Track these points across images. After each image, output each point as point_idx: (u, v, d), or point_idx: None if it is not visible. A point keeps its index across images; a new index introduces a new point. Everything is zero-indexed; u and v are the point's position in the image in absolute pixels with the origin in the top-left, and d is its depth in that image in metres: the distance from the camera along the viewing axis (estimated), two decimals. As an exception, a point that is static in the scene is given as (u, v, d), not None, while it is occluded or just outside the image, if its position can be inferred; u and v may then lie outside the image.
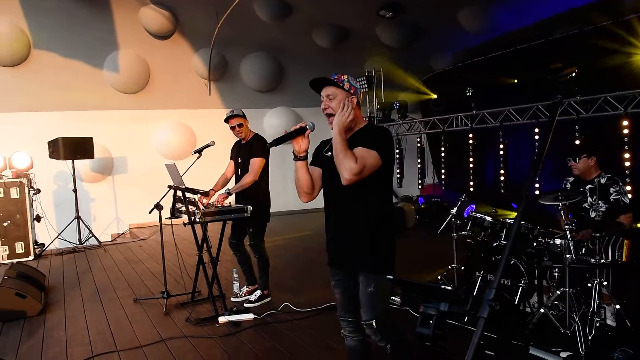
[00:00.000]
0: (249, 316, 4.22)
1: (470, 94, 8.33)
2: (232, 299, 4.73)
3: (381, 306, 2.39)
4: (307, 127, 2.42)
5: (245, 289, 4.83)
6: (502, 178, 8.31)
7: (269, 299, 4.68)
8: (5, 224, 7.19)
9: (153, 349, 3.66)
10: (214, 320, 4.15)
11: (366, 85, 10.66)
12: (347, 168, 2.24)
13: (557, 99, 1.39)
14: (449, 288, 1.08)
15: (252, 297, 4.62)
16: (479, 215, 4.13)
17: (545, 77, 7.81)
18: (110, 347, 3.74)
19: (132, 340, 3.85)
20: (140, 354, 3.59)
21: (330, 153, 2.42)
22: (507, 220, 3.99)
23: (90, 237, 8.28)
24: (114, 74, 9.62)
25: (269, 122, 11.17)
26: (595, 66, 6.86)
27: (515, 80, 8.64)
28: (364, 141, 2.34)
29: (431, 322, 1.16)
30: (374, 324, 2.36)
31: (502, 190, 8.22)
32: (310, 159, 2.56)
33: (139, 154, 10.20)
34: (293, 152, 2.47)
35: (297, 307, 4.44)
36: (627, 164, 6.42)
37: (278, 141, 2.40)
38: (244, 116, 4.57)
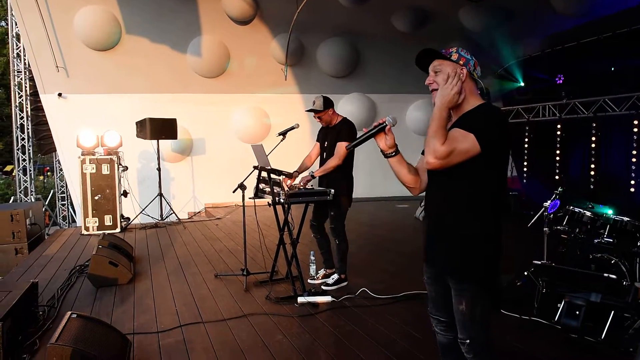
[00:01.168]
0: (327, 298, 4.23)
1: (561, 81, 7.80)
2: (309, 281, 4.77)
3: (477, 324, 2.06)
4: (387, 122, 2.18)
5: (322, 272, 4.85)
6: (592, 173, 7.75)
7: (346, 283, 4.67)
8: (96, 198, 7.70)
9: (236, 323, 3.77)
10: (293, 300, 4.20)
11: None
12: (431, 149, 1.94)
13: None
14: (614, 277, 0.96)
15: (330, 280, 4.63)
16: (577, 209, 3.85)
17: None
18: (196, 318, 3.90)
19: (217, 313, 3.99)
20: (224, 327, 3.71)
21: None
22: (610, 216, 3.69)
23: (171, 213, 8.70)
24: (197, 58, 9.98)
25: (343, 108, 11.10)
26: None
27: (612, 68, 7.98)
28: (465, 122, 1.99)
29: (578, 312, 1.05)
30: (467, 344, 2.07)
31: (592, 186, 7.67)
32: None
33: (216, 136, 10.55)
34: (381, 151, 2.22)
35: (375, 293, 4.39)
36: None
37: (358, 143, 2.25)
38: (323, 108, 4.51)
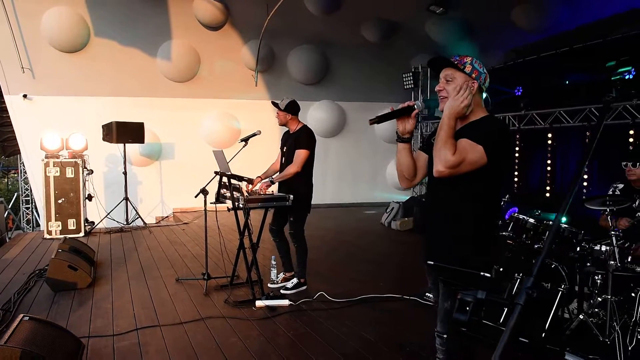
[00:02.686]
0: (285, 302, 4.33)
1: (519, 93, 8.11)
2: (269, 285, 4.86)
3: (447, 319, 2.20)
4: (415, 106, 2.20)
5: (282, 275, 4.95)
6: (548, 181, 8.07)
7: (305, 287, 4.78)
8: (60, 201, 7.62)
9: (193, 326, 3.83)
10: (251, 304, 4.28)
11: (411, 82, 10.58)
12: (442, 158, 2.02)
13: (608, 97, 1.37)
14: (488, 275, 1.09)
15: (289, 284, 4.73)
16: (521, 216, 4.06)
17: (600, 79, 7.52)
18: (153, 321, 3.94)
19: (174, 317, 4.04)
20: (180, 330, 3.76)
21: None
22: (551, 222, 3.90)
23: (137, 218, 8.65)
24: (167, 63, 9.98)
25: (313, 115, 11.27)
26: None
27: (567, 82, 8.34)
28: (473, 133, 2.08)
29: (468, 308, 1.19)
30: (445, 340, 2.22)
31: (548, 195, 7.98)
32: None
33: (185, 141, 10.55)
34: (397, 132, 2.28)
35: (333, 297, 4.51)
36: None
37: (381, 119, 2.22)
38: (283, 108, 4.64)
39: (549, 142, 8.01)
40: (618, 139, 7.16)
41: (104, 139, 8.84)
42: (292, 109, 4.68)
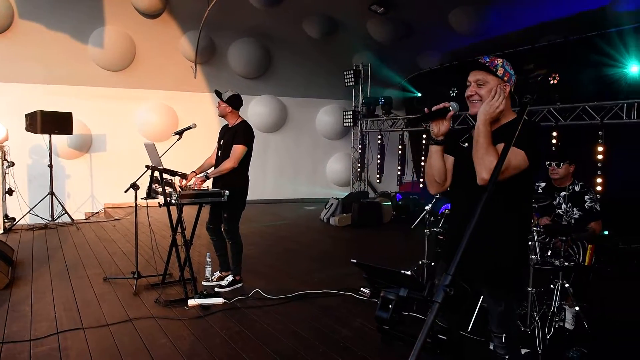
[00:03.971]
0: (219, 300, 4.23)
1: (454, 94, 8.41)
2: (203, 283, 4.73)
3: (514, 322, 2.25)
4: (450, 108, 2.12)
5: (217, 274, 4.83)
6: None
7: (240, 284, 4.69)
8: (-24, 195, 7.04)
9: (119, 328, 3.65)
10: (184, 303, 4.15)
11: (353, 79, 10.70)
12: (487, 167, 1.96)
13: (526, 99, 1.42)
14: (408, 273, 1.10)
15: (224, 282, 4.63)
16: (447, 211, 4.20)
17: (523, 82, 7.96)
18: (76, 324, 3.72)
19: (99, 319, 3.83)
20: (106, 333, 3.57)
21: (467, 144, 2.15)
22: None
23: (63, 214, 8.17)
24: (99, 50, 9.46)
25: (254, 110, 11.12)
26: (577, 75, 7.00)
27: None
28: (510, 136, 1.94)
29: (390, 306, 1.19)
30: (504, 339, 2.16)
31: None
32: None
33: (118, 133, 10.07)
34: (430, 134, 2.21)
35: (268, 294, 4.46)
36: (599, 181, 6.50)
37: (422, 118, 2.16)
38: (225, 99, 4.54)
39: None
40: (542, 140, 7.59)
41: (27, 129, 8.25)
42: (235, 102, 4.58)
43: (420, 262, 4.79)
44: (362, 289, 4.54)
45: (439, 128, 2.16)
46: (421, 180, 10.12)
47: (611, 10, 7.33)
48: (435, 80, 10.62)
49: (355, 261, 1.40)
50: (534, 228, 3.48)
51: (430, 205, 4.62)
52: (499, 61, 2.12)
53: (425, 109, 2.16)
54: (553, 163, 4.02)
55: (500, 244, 2.10)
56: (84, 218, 9.12)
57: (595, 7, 7.42)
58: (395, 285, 1.21)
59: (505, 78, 2.11)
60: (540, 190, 4.18)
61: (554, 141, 7.20)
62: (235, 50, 10.64)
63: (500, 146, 1.98)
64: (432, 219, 4.64)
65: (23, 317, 3.87)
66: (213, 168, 4.62)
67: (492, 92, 2.07)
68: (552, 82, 7.16)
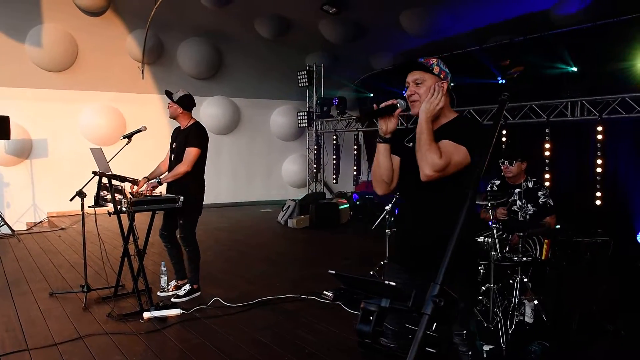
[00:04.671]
0: (177, 311, 4.04)
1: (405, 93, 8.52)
2: (159, 294, 4.52)
3: (472, 319, 2.25)
4: (398, 105, 2.14)
5: (173, 283, 4.63)
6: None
7: (198, 293, 4.51)
8: None
9: (69, 347, 3.41)
10: (139, 316, 3.94)
11: (306, 79, 10.65)
12: (429, 163, 2.01)
13: (504, 97, 1.39)
14: (393, 284, 1.04)
15: (181, 292, 4.44)
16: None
17: (478, 82, 8.19)
18: (20, 345, 3.43)
19: (46, 338, 3.56)
20: (54, 353, 3.32)
21: (412, 144, 2.17)
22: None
23: (2, 225, 7.63)
24: (37, 49, 8.91)
25: (205, 111, 10.83)
26: (524, 74, 7.26)
27: (452, 84, 8.94)
28: (453, 134, 2.07)
29: (371, 318, 1.12)
30: (464, 336, 2.15)
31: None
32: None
33: (61, 137, 9.52)
34: (378, 132, 2.20)
35: (228, 302, 4.32)
36: (547, 176, 6.75)
37: (366, 116, 2.20)
38: (175, 100, 4.35)
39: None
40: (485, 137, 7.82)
41: (-42, 135, 7.65)
42: (186, 103, 4.39)
43: (382, 263, 4.79)
44: (324, 292, 4.48)
45: (387, 125, 2.17)
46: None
47: (553, 14, 7.66)
48: (388, 81, 10.73)
49: (333, 272, 1.32)
50: (493, 225, 3.54)
51: (390, 205, 4.62)
52: (434, 60, 2.18)
53: (374, 105, 2.17)
54: (506, 161, 4.11)
55: (443, 241, 2.13)
56: (25, 228, 8.56)
57: (538, 10, 7.74)
58: (376, 295, 1.14)
59: (442, 76, 2.15)
60: (495, 188, 4.27)
61: (503, 139, 7.42)
62: (185, 50, 10.32)
63: (443, 143, 2.05)
64: (392, 218, 4.64)
65: (-42, 340, 3.55)
66: (166, 173, 4.42)
67: (431, 90, 2.11)
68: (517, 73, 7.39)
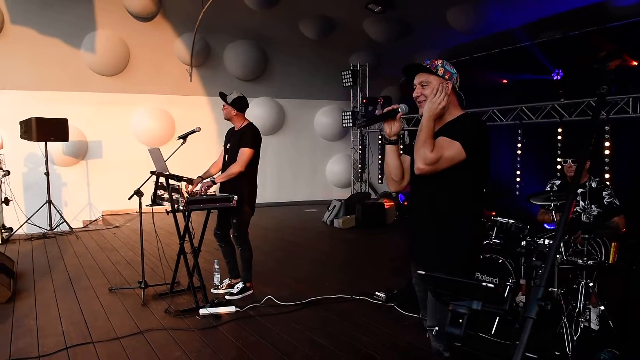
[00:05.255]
0: (231, 309, 4.10)
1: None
2: (212, 291, 4.60)
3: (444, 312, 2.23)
4: (399, 109, 2.28)
5: (226, 281, 4.71)
6: (483, 178, 8.38)
7: (251, 291, 4.57)
8: (-29, 206, 6.86)
9: (131, 341, 3.51)
10: (195, 312, 4.02)
11: (351, 79, 10.61)
12: (421, 156, 2.10)
13: (602, 90, 1.32)
14: (492, 285, 1.00)
15: (234, 290, 4.50)
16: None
17: (529, 79, 7.92)
18: (85, 338, 3.57)
19: (109, 332, 3.69)
20: (117, 346, 3.44)
21: None
22: (497, 219, 3.97)
23: (62, 222, 7.99)
24: (91, 55, 9.29)
25: (251, 112, 10.82)
26: (580, 71, 6.95)
27: (505, 81, 8.71)
28: (451, 131, 2.15)
29: (461, 321, 1.08)
30: (434, 331, 2.19)
31: (484, 190, 8.27)
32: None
33: (114, 139, 9.89)
34: (383, 134, 2.36)
35: (280, 300, 4.34)
36: (607, 176, 6.44)
37: (368, 122, 2.43)
38: (229, 102, 4.41)
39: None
40: (547, 137, 7.55)
41: (22, 137, 8.06)
42: (240, 104, 4.46)
43: (423, 274, 4.68)
44: (376, 292, 4.43)
45: (390, 128, 2.31)
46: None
47: (611, 6, 7.30)
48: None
49: (423, 273, 1.28)
50: (557, 227, 3.39)
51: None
52: (439, 62, 2.25)
53: (377, 111, 2.33)
54: (569, 160, 3.94)
55: (448, 243, 2.19)
56: (82, 226, 8.93)
57: (594, 2, 7.39)
58: (467, 297, 1.10)
59: (447, 77, 2.22)
60: (555, 188, 4.11)
61: (559, 137, 7.14)
62: (231, 52, 10.50)
63: (440, 139, 2.13)
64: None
65: (29, 332, 3.73)
66: (220, 172, 4.50)
67: (434, 91, 2.19)
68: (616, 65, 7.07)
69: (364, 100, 10.57)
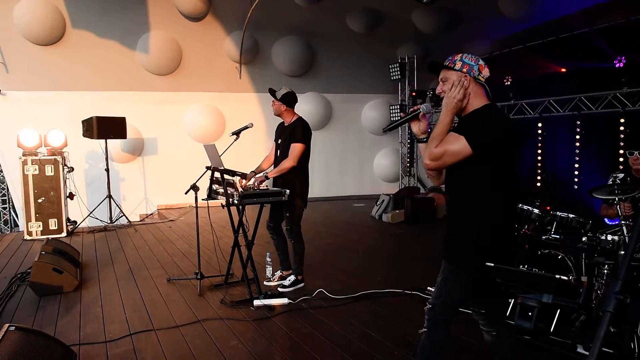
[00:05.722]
0: (284, 301, 4.18)
1: (508, 83, 8.08)
2: (264, 283, 4.70)
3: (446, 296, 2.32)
4: (421, 110, 2.36)
5: (278, 273, 4.80)
6: (538, 171, 8.07)
7: (302, 284, 4.63)
8: (39, 201, 7.31)
9: (190, 329, 3.66)
10: (249, 303, 4.12)
11: (398, 72, 10.49)
12: (427, 152, 2.17)
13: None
14: (565, 278, 0.97)
15: (286, 282, 4.58)
16: (525, 207, 3.98)
17: (588, 67, 7.55)
18: (147, 325, 3.75)
19: (168, 320, 3.85)
20: (177, 334, 3.58)
21: None
22: (557, 213, 3.83)
23: (121, 216, 8.37)
24: (146, 55, 9.65)
25: (299, 108, 10.96)
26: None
27: (564, 70, 8.34)
28: (462, 125, 2.18)
29: (531, 314, 1.06)
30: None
31: (539, 184, 7.98)
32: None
33: (168, 136, 10.26)
34: (414, 134, 2.45)
35: (332, 294, 4.38)
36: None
37: (393, 126, 2.54)
38: (279, 97, 4.47)
39: (539, 131, 8.00)
40: (608, 128, 7.18)
41: (84, 135, 8.50)
42: (289, 100, 4.51)
43: (522, 270, 4.58)
44: (428, 287, 4.39)
45: (418, 127, 2.38)
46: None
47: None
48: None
49: (492, 265, 1.27)
50: (623, 221, 3.23)
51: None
52: (458, 56, 2.26)
53: (401, 114, 2.38)
54: (635, 152, 3.74)
55: (458, 237, 2.24)
56: (139, 220, 9.33)
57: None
58: (537, 290, 1.08)
59: (465, 69, 2.22)
60: (618, 182, 3.91)
61: (621, 128, 6.78)
62: (279, 49, 10.63)
63: (448, 134, 2.15)
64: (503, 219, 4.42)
65: (95, 318, 3.95)
66: (272, 167, 4.58)
67: (450, 85, 2.22)
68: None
69: (413, 93, 10.44)
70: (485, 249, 2.17)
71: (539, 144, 8.07)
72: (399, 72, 10.51)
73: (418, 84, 10.77)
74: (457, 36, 10.14)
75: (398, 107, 10.81)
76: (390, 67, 10.67)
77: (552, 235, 3.77)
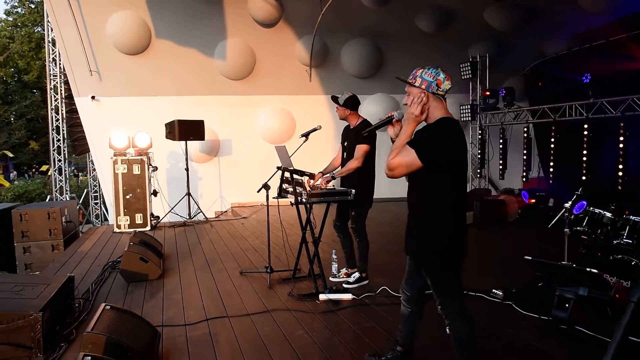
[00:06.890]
0: (348, 296, 4.34)
1: (587, 80, 7.68)
2: (330, 279, 4.88)
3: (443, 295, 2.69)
4: (394, 116, 2.66)
5: (343, 270, 4.96)
6: (620, 174, 7.59)
7: (366, 281, 4.77)
8: (127, 197, 8.01)
9: (260, 318, 3.92)
10: (315, 297, 4.33)
11: (469, 72, 10.28)
12: (386, 161, 2.43)
13: None
14: (595, 271, 1.03)
15: (351, 279, 4.74)
16: (597, 210, 3.85)
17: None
18: (221, 312, 4.07)
19: (241, 308, 4.15)
20: (248, 321, 3.86)
21: None
22: (630, 217, 3.68)
23: (199, 212, 8.94)
24: (222, 62, 10.21)
25: (368, 109, 11.16)
26: None
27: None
28: (416, 137, 2.42)
29: (567, 305, 1.13)
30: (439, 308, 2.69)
31: (620, 187, 7.51)
32: None
33: (242, 137, 10.77)
34: (390, 138, 2.67)
35: (395, 292, 4.47)
36: None
37: (371, 130, 2.97)
38: (341, 103, 4.61)
39: (621, 131, 7.53)
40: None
41: (166, 137, 9.18)
42: (352, 104, 4.66)
43: (559, 264, 4.45)
44: (494, 290, 4.35)
45: (393, 131, 2.65)
46: (550, 176, 9.36)
47: None
48: (563, 66, 9.79)
49: (530, 258, 1.35)
50: None
51: (570, 203, 4.27)
52: (419, 72, 2.46)
53: (380, 119, 2.77)
54: None
55: (417, 225, 2.65)
56: (214, 216, 9.91)
57: None
58: (575, 283, 1.15)
59: (423, 86, 2.43)
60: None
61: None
62: (348, 51, 10.80)
63: (405, 146, 2.38)
64: (571, 217, 4.30)
65: (176, 304, 4.33)
66: (339, 168, 4.75)
67: (411, 102, 2.44)
68: None
69: (486, 93, 10.20)
70: (441, 247, 2.49)
71: (621, 145, 7.59)
72: (470, 71, 10.30)
73: (490, 83, 10.50)
74: (532, 33, 9.79)
75: (469, 107, 10.60)
76: (461, 66, 10.48)
77: (625, 240, 3.62)
